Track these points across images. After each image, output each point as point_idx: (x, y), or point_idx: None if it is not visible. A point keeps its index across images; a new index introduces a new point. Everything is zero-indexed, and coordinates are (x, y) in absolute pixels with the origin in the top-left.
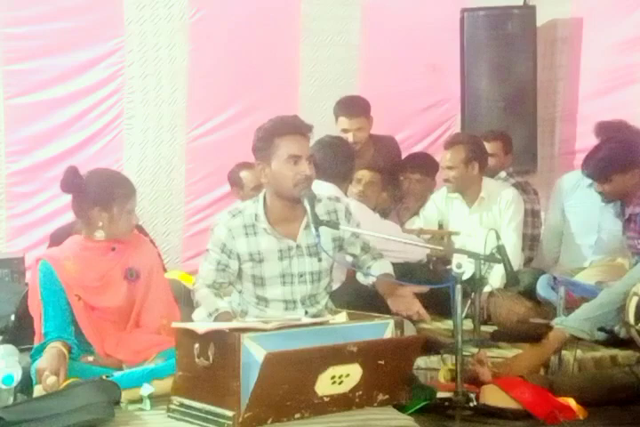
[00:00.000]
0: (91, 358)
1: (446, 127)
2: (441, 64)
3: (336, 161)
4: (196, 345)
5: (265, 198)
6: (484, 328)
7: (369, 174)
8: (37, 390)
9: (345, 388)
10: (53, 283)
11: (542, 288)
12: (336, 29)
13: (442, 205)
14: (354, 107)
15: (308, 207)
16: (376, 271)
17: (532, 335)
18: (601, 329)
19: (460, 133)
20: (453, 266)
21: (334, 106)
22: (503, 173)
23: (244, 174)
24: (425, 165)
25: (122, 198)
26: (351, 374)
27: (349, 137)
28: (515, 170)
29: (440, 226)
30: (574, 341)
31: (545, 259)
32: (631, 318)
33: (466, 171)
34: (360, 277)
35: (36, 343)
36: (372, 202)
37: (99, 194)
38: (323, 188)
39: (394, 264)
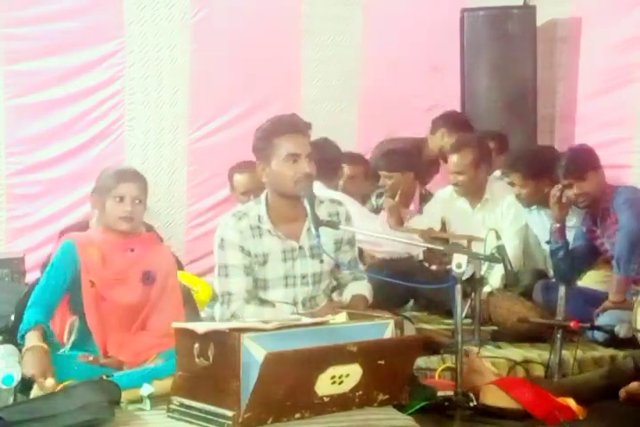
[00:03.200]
0: (91, 358)
1: None
2: (442, 65)
3: (321, 160)
4: (196, 345)
5: (267, 199)
6: (483, 328)
7: (348, 168)
8: (36, 391)
9: (345, 388)
10: (68, 262)
11: (539, 293)
12: (337, 30)
13: (445, 204)
14: None
15: (307, 207)
16: (349, 293)
17: (532, 335)
18: (601, 329)
19: (465, 135)
20: (453, 266)
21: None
22: (498, 172)
23: (236, 177)
24: (401, 162)
25: (108, 183)
26: (351, 374)
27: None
28: None
29: (443, 224)
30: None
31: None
32: (638, 324)
33: (475, 174)
34: (335, 296)
35: None
36: (353, 195)
37: (96, 182)
38: None
39: (394, 262)
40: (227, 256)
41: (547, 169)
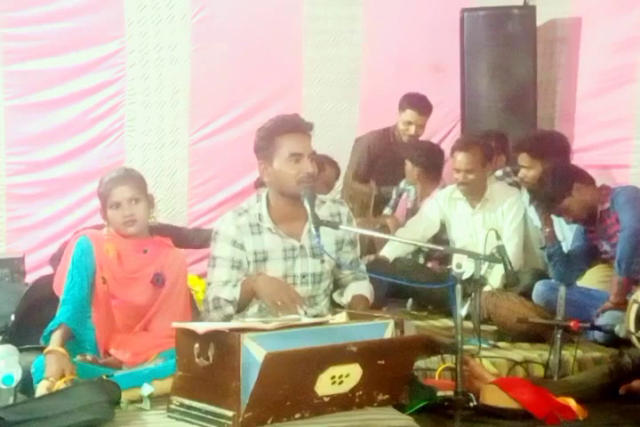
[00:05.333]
0: (89, 358)
1: (450, 128)
2: (443, 64)
3: None
4: (196, 345)
5: (268, 198)
6: (483, 328)
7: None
8: (38, 390)
9: (345, 388)
10: (88, 258)
11: (539, 294)
12: (339, 30)
13: (444, 205)
14: (424, 105)
15: (307, 207)
16: (349, 293)
17: (532, 335)
18: (601, 329)
19: (472, 134)
20: (453, 266)
21: (402, 98)
22: (499, 172)
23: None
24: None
25: (103, 194)
26: (351, 374)
27: (411, 129)
28: (515, 169)
29: (442, 226)
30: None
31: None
32: (632, 326)
33: (482, 173)
34: (336, 296)
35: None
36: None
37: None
38: None
39: (394, 262)
40: (217, 248)
41: (554, 150)
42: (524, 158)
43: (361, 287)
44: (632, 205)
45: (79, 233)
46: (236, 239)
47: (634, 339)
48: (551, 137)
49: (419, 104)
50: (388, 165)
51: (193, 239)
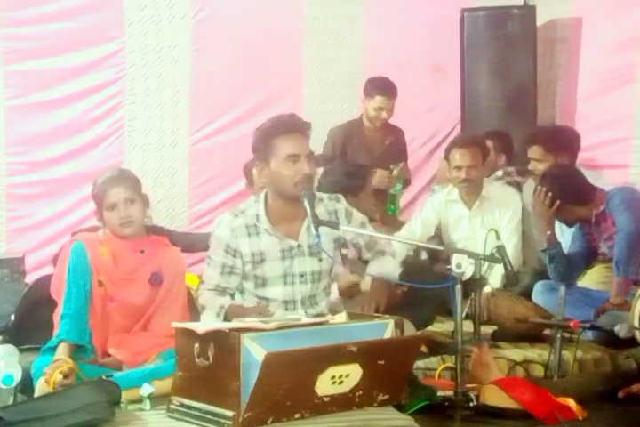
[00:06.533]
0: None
1: (450, 128)
2: (444, 65)
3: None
4: (196, 345)
5: (266, 198)
6: (483, 328)
7: None
8: (37, 390)
9: (345, 388)
10: (83, 266)
11: (539, 294)
12: (339, 30)
13: (441, 209)
14: (392, 88)
15: (307, 208)
16: (370, 270)
17: (532, 335)
18: (601, 329)
19: (472, 134)
20: (453, 266)
21: (368, 85)
22: (500, 172)
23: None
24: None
25: (98, 196)
26: (351, 374)
27: (383, 114)
28: (516, 170)
29: (438, 229)
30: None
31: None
32: (636, 322)
33: (483, 170)
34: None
35: (56, 330)
36: None
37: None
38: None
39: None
40: (211, 249)
41: (567, 145)
42: (535, 151)
43: (380, 266)
44: (627, 206)
45: (74, 237)
46: (229, 244)
47: (637, 335)
48: (567, 132)
49: (386, 89)
50: (358, 154)
51: (179, 243)
